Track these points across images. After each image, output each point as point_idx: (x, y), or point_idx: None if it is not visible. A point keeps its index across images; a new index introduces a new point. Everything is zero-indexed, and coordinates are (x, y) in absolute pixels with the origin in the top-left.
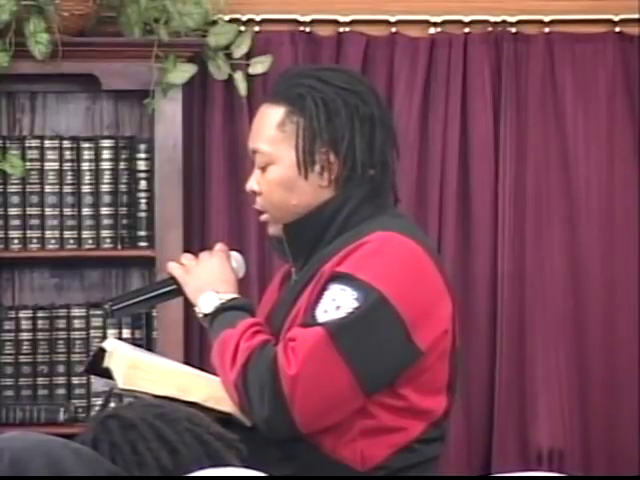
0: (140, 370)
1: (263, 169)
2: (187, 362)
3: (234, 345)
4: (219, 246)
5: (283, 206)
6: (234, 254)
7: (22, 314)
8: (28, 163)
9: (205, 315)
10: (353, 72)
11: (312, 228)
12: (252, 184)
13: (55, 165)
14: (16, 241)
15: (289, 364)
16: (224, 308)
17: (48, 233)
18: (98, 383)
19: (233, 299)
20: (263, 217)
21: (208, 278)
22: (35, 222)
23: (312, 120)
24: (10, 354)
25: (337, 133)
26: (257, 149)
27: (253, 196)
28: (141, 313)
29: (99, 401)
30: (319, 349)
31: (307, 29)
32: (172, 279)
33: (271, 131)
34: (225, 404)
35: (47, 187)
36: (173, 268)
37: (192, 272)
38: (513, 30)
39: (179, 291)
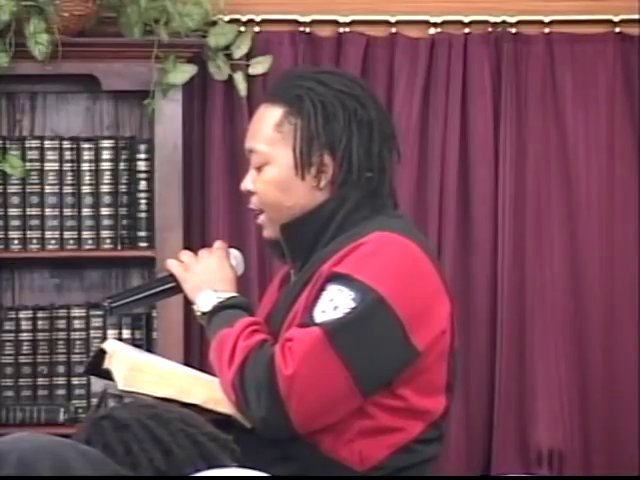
0: (140, 372)
1: (259, 169)
2: (187, 363)
3: (232, 344)
4: (218, 243)
5: (278, 206)
6: (233, 251)
7: (22, 314)
8: (28, 163)
9: (203, 313)
10: (353, 76)
11: (310, 229)
12: (247, 183)
13: (55, 166)
14: (16, 241)
15: (286, 364)
16: (222, 307)
17: (48, 233)
18: (98, 384)
19: (231, 297)
20: (259, 220)
21: (207, 276)
22: (35, 222)
23: (310, 122)
24: (10, 354)
25: (334, 136)
26: (253, 149)
27: (248, 195)
28: (141, 313)
29: None
30: (316, 349)
31: (307, 29)
32: (171, 276)
33: (268, 131)
34: (225, 406)
35: (47, 187)
36: (172, 265)
37: (191, 270)
38: (513, 30)
39: (178, 288)
